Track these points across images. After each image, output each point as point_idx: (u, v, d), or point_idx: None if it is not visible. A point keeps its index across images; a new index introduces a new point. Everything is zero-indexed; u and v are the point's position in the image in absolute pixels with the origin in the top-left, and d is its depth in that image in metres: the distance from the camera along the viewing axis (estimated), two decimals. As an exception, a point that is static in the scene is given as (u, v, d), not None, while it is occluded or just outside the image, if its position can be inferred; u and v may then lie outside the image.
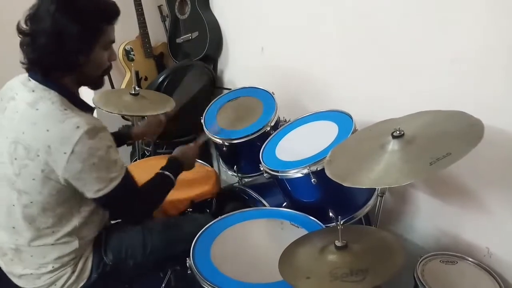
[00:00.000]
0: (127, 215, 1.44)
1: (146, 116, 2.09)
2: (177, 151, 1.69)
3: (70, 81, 1.31)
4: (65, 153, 1.20)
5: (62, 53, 1.23)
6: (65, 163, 1.21)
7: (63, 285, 1.39)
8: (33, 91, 1.27)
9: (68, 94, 1.29)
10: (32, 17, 1.24)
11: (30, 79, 1.30)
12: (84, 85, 1.38)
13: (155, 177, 1.52)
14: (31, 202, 1.30)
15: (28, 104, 1.25)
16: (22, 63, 1.29)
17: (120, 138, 1.85)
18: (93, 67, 1.32)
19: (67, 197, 1.31)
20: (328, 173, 1.32)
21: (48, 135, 1.21)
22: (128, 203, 1.38)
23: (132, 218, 1.47)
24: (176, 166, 1.59)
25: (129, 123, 2.82)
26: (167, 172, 1.52)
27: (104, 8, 1.28)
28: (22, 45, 1.27)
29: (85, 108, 1.34)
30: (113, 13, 1.30)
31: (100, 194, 1.28)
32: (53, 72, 1.28)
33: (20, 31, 1.26)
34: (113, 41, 1.35)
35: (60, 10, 1.20)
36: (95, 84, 1.41)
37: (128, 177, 1.35)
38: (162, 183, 1.52)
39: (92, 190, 1.28)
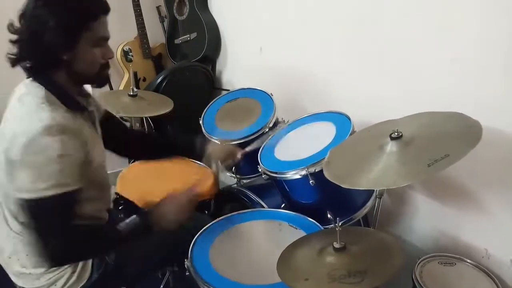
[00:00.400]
0: (42, 243, 1.22)
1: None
2: (159, 205, 1.41)
3: (64, 78, 1.29)
4: (19, 142, 1.16)
5: (42, 49, 1.22)
6: (18, 152, 1.16)
7: (64, 285, 1.37)
8: (26, 87, 1.28)
9: (58, 90, 1.27)
10: (21, 15, 1.25)
11: (28, 78, 1.30)
12: (82, 83, 1.36)
13: (105, 228, 1.38)
14: (8, 197, 1.28)
15: (17, 99, 1.27)
16: (7, 57, 1.27)
17: (191, 150, 1.72)
18: (83, 65, 1.28)
19: None
20: (326, 174, 1.32)
21: (18, 126, 1.20)
22: (48, 226, 1.20)
23: (44, 250, 1.22)
24: (143, 222, 1.35)
25: (128, 124, 2.82)
26: (122, 225, 1.31)
27: (87, 4, 1.25)
28: (13, 42, 1.27)
29: (75, 107, 1.30)
30: (98, 9, 1.27)
31: (26, 196, 1.17)
32: (38, 68, 1.27)
33: (10, 29, 1.27)
34: (105, 38, 1.31)
35: (39, 6, 1.20)
36: (95, 82, 1.38)
37: (63, 199, 1.18)
38: (104, 232, 1.35)
39: (22, 188, 1.18)
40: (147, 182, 1.87)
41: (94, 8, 1.26)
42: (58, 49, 1.23)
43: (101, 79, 1.37)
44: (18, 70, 1.30)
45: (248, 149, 1.75)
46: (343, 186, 1.23)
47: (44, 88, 1.26)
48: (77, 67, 1.28)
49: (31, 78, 1.29)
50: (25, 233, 1.33)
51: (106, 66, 1.35)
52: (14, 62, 1.28)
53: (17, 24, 1.26)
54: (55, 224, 1.21)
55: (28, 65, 1.28)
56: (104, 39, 1.31)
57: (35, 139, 1.16)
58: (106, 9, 1.28)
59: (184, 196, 1.43)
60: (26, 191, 1.18)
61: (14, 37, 1.27)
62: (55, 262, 1.28)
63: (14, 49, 1.27)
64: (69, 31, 1.22)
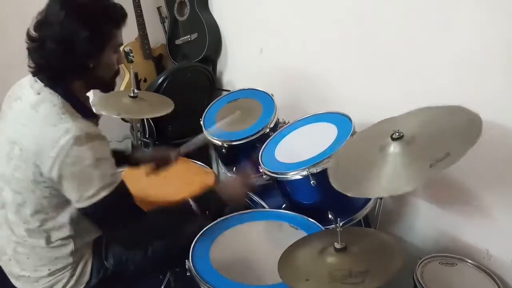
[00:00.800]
0: (113, 234, 1.35)
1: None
2: (220, 185, 1.56)
3: (79, 85, 1.31)
4: (51, 157, 1.19)
5: (72, 58, 1.24)
6: (50, 167, 1.20)
7: (62, 288, 1.38)
8: (38, 93, 1.27)
9: (72, 99, 1.29)
10: (41, 23, 1.24)
11: (37, 80, 1.29)
12: (95, 88, 1.39)
13: (176, 203, 1.43)
14: (24, 202, 1.29)
15: (31, 106, 1.26)
16: (30, 67, 1.28)
17: (125, 158, 1.79)
18: (103, 71, 1.32)
19: (60, 200, 1.29)
20: (333, 183, 1.30)
21: (40, 137, 1.21)
22: (112, 222, 1.30)
23: (118, 239, 1.36)
24: (210, 197, 1.46)
25: (129, 124, 2.82)
26: (191, 201, 1.40)
27: (113, 12, 1.29)
28: (30, 50, 1.27)
29: (89, 114, 1.34)
30: (121, 16, 1.31)
31: (78, 206, 1.25)
32: (62, 77, 1.28)
33: (29, 37, 1.26)
34: (122, 44, 1.36)
35: (69, 16, 1.21)
36: (107, 87, 1.41)
37: (116, 195, 1.26)
38: (177, 211, 1.42)
39: (73, 199, 1.25)
40: (148, 182, 1.87)
41: (119, 16, 1.30)
42: (88, 58, 1.26)
43: (113, 83, 1.41)
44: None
45: (182, 150, 1.86)
46: (349, 195, 1.22)
47: (59, 96, 1.26)
48: (98, 74, 1.31)
49: (41, 82, 1.28)
50: (28, 238, 1.34)
51: (118, 71, 1.40)
52: (36, 71, 1.29)
53: (33, 31, 1.26)
54: (118, 219, 1.29)
55: (50, 73, 1.28)
56: (121, 45, 1.36)
57: (68, 152, 1.19)
58: (125, 15, 1.32)
59: (240, 180, 1.55)
60: (78, 201, 1.24)
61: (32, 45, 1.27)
62: (133, 246, 1.41)
63: (35, 58, 1.26)
64: (99, 41, 1.26)
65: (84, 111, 1.32)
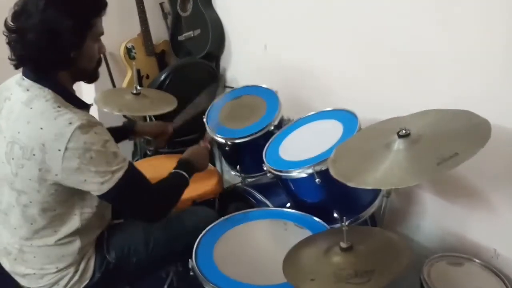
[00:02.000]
0: (140, 210, 1.39)
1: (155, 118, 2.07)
2: (187, 153, 1.66)
3: (64, 77, 1.30)
4: (59, 150, 1.19)
5: (54, 49, 1.22)
6: (61, 161, 1.20)
7: (66, 284, 1.38)
8: (27, 90, 1.26)
9: (62, 91, 1.28)
10: (20, 13, 1.22)
11: (24, 78, 1.28)
12: (79, 79, 1.38)
13: (169, 175, 1.49)
14: (30, 202, 1.29)
15: (23, 103, 1.25)
16: (10, 59, 1.27)
17: (123, 132, 1.85)
18: (85, 61, 1.31)
19: (67, 197, 1.29)
20: (332, 172, 1.31)
21: (41, 133, 1.20)
22: (137, 197, 1.34)
23: (145, 214, 1.41)
24: (187, 168, 1.54)
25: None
26: (181, 171, 1.49)
27: (93, 1, 1.28)
28: (9, 42, 1.25)
29: (80, 105, 1.33)
30: (102, 4, 1.29)
31: (105, 188, 1.25)
32: (45, 68, 1.26)
33: (7, 28, 1.24)
34: (102, 33, 1.34)
35: (49, 5, 1.19)
36: (90, 78, 1.40)
37: (133, 170, 1.32)
38: (176, 181, 1.49)
39: (95, 185, 1.24)
40: (151, 180, 1.86)
41: (100, 4, 1.29)
42: (69, 48, 1.24)
43: (96, 74, 1.41)
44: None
45: (178, 122, 1.98)
46: (349, 185, 1.22)
47: (49, 89, 1.25)
48: (80, 64, 1.30)
49: (28, 79, 1.27)
50: (35, 238, 1.34)
51: (100, 61, 1.40)
52: (18, 64, 1.27)
53: (10, 22, 1.23)
54: (138, 193, 1.34)
55: (33, 65, 1.26)
56: (101, 34, 1.34)
57: (76, 142, 1.19)
58: (106, 4, 1.30)
59: (202, 145, 1.78)
60: (102, 185, 1.24)
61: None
62: (158, 217, 1.43)
63: (15, 50, 1.25)
64: (81, 30, 1.25)
65: (76, 102, 1.32)
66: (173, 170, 1.50)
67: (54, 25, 1.20)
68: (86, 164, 1.21)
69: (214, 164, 2.26)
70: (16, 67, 1.29)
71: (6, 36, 1.25)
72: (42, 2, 1.19)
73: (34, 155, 1.21)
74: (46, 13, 1.19)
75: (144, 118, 2.52)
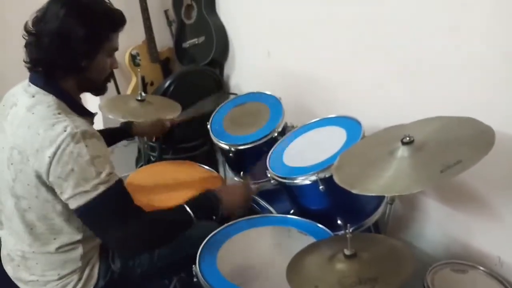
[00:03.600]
0: (108, 236, 1.27)
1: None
2: (221, 187, 1.55)
3: (72, 85, 1.32)
4: (48, 156, 1.19)
5: (65, 55, 1.25)
6: (48, 167, 1.19)
7: (69, 292, 1.38)
8: (33, 96, 1.28)
9: (67, 98, 1.30)
10: (40, 19, 1.27)
11: (30, 84, 1.30)
12: (87, 90, 1.40)
13: (173, 208, 1.37)
14: (29, 208, 1.29)
15: (26, 109, 1.26)
16: (25, 62, 1.30)
17: (121, 133, 1.89)
18: (95, 73, 1.34)
19: (63, 204, 1.28)
20: (336, 179, 1.31)
21: (38, 138, 1.20)
22: (108, 222, 1.24)
23: (114, 241, 1.27)
24: (205, 201, 1.43)
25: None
26: (188, 208, 1.35)
27: (112, 16, 1.32)
28: (27, 45, 1.29)
29: (85, 113, 1.35)
30: (120, 21, 1.34)
31: (73, 205, 1.21)
32: (55, 73, 1.29)
33: (27, 31, 1.28)
34: (117, 49, 1.37)
35: (68, 14, 1.23)
36: (97, 90, 1.42)
37: (113, 193, 1.23)
38: (173, 215, 1.37)
39: (69, 200, 1.21)
40: (155, 187, 1.87)
41: (117, 20, 1.33)
42: (81, 57, 1.27)
43: (103, 87, 1.43)
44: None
45: (177, 118, 2.02)
46: (353, 191, 1.21)
47: (53, 96, 1.27)
48: (89, 75, 1.33)
49: (35, 85, 1.29)
50: (36, 245, 1.34)
51: (111, 75, 1.44)
52: (32, 67, 1.30)
53: (31, 26, 1.28)
54: (114, 218, 1.24)
55: (44, 68, 1.29)
56: (116, 50, 1.37)
57: (64, 149, 1.18)
58: (124, 22, 1.35)
59: (244, 185, 1.59)
60: (73, 198, 1.21)
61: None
62: (131, 249, 1.33)
63: (31, 53, 1.28)
64: (95, 41, 1.28)
65: (79, 109, 1.33)
66: (183, 204, 1.37)
67: (69, 32, 1.23)
68: (66, 174, 1.19)
69: (217, 170, 2.27)
70: (30, 70, 1.32)
71: (25, 39, 1.29)
72: (62, 11, 1.23)
73: (29, 160, 1.22)
74: (64, 20, 1.23)
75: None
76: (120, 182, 1.27)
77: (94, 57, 1.30)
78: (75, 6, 1.25)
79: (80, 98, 1.40)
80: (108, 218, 1.25)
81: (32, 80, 1.31)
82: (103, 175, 1.21)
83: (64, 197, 1.23)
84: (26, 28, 1.28)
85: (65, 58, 1.26)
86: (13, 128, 1.27)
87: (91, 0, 1.29)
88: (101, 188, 1.21)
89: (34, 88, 1.29)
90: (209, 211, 1.42)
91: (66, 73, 1.30)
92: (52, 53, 1.25)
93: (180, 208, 1.36)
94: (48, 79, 1.29)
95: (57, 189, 1.23)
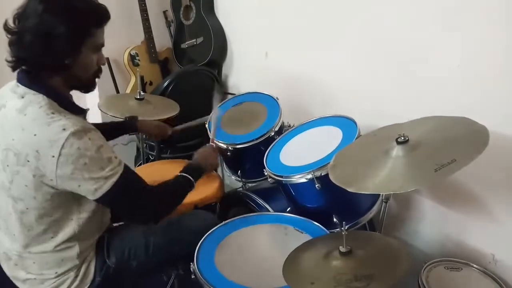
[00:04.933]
0: (135, 213, 1.38)
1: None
2: (195, 155, 1.69)
3: (59, 83, 1.30)
4: (53, 156, 1.19)
5: (48, 53, 1.22)
6: (55, 167, 1.20)
7: (67, 289, 1.39)
8: (22, 97, 1.26)
9: (57, 96, 1.28)
10: (20, 16, 1.24)
11: (19, 85, 1.28)
12: (75, 88, 1.37)
13: (173, 178, 1.49)
14: (27, 209, 1.29)
15: (17, 110, 1.24)
16: (8, 61, 1.27)
17: (124, 127, 1.90)
18: (80, 69, 1.30)
19: (63, 201, 1.30)
20: (332, 178, 1.32)
21: (35, 139, 1.20)
22: (132, 200, 1.34)
23: (140, 217, 1.40)
24: (194, 170, 1.55)
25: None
26: (186, 174, 1.50)
27: (94, 11, 1.28)
28: (9, 43, 1.26)
29: (76, 110, 1.33)
30: (103, 16, 1.30)
31: (99, 194, 1.25)
32: (40, 72, 1.27)
33: (6, 29, 1.26)
34: (103, 45, 1.34)
35: (47, 10, 1.20)
36: (85, 87, 1.39)
37: (128, 174, 1.31)
38: (179, 183, 1.49)
39: (90, 191, 1.25)
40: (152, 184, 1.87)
41: (99, 15, 1.29)
42: (63, 54, 1.24)
43: (92, 84, 1.40)
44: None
45: (179, 127, 2.08)
46: (349, 190, 1.23)
47: (43, 95, 1.25)
48: (75, 72, 1.30)
49: (23, 85, 1.27)
50: (33, 244, 1.34)
51: (99, 71, 1.39)
52: (15, 66, 1.28)
53: (11, 24, 1.25)
54: (132, 196, 1.34)
55: (28, 67, 1.27)
56: (101, 46, 1.34)
57: (70, 148, 1.19)
58: (108, 17, 1.31)
59: (210, 146, 1.80)
60: (96, 190, 1.25)
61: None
62: (155, 219, 1.43)
63: (12, 52, 1.26)
64: (77, 37, 1.25)
65: (71, 107, 1.31)
66: (178, 173, 1.51)
67: (49, 30, 1.20)
68: (80, 170, 1.21)
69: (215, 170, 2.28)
70: (13, 69, 1.29)
71: (8, 37, 1.26)
72: (41, 6, 1.20)
73: (28, 161, 1.22)
74: (43, 17, 1.20)
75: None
76: (125, 165, 1.33)
77: (78, 54, 1.26)
78: (54, 2, 1.22)
79: (70, 96, 1.37)
80: (130, 197, 1.33)
81: (20, 80, 1.28)
82: (114, 160, 1.27)
83: (85, 190, 1.25)
84: (5, 26, 1.25)
85: (48, 56, 1.23)
86: (4, 130, 1.26)
87: None
88: (119, 171, 1.27)
89: (22, 89, 1.27)
90: (198, 174, 1.56)
91: (51, 71, 1.27)
92: (34, 51, 1.22)
93: (180, 177, 1.50)
94: (35, 78, 1.27)
95: (72, 185, 1.24)
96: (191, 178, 1.50)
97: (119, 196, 1.30)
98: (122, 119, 1.97)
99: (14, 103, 1.26)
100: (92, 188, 1.24)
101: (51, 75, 1.28)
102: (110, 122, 1.91)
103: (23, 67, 1.28)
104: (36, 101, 1.24)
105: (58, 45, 1.21)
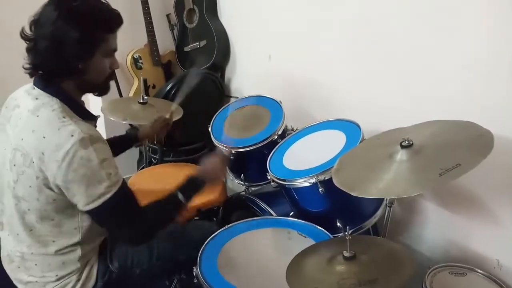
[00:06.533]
0: (121, 233, 1.36)
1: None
2: (199, 168, 1.61)
3: (73, 88, 1.32)
4: (56, 160, 1.20)
5: (62, 58, 1.24)
6: (56, 171, 1.21)
7: (69, 293, 1.39)
8: (36, 98, 1.28)
9: (70, 101, 1.30)
10: (35, 23, 1.26)
11: (34, 87, 1.30)
12: (88, 91, 1.39)
13: (165, 197, 1.42)
14: (29, 210, 1.30)
15: (30, 111, 1.26)
16: (25, 68, 1.30)
17: (128, 140, 1.88)
18: (93, 74, 1.32)
19: (65, 205, 1.29)
20: (335, 182, 1.32)
21: (43, 142, 1.21)
22: (121, 220, 1.32)
23: (124, 237, 1.38)
24: (193, 185, 1.49)
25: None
26: (179, 194, 1.42)
27: (106, 16, 1.30)
28: (27, 50, 1.29)
29: (88, 117, 1.35)
30: (115, 22, 1.31)
31: (88, 208, 1.25)
32: (54, 77, 1.29)
33: (23, 36, 1.28)
34: (115, 50, 1.36)
35: (61, 17, 1.22)
36: (99, 91, 1.41)
37: (123, 193, 1.29)
38: (170, 205, 1.43)
39: (81, 202, 1.25)
40: (156, 189, 1.87)
41: (112, 21, 1.31)
42: (77, 59, 1.26)
43: (105, 88, 1.42)
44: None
45: (173, 106, 2.03)
46: (352, 194, 1.23)
47: (57, 99, 1.27)
48: (88, 76, 1.31)
49: (38, 88, 1.29)
50: (35, 246, 1.34)
51: (112, 75, 1.41)
52: (32, 72, 1.30)
53: (28, 30, 1.27)
54: (122, 216, 1.31)
55: (44, 72, 1.29)
56: (114, 50, 1.36)
57: (74, 155, 1.20)
58: (121, 22, 1.33)
59: (216, 157, 1.64)
60: (88, 203, 1.24)
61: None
62: (140, 240, 1.41)
63: (29, 58, 1.28)
64: (90, 43, 1.27)
65: (83, 113, 1.33)
66: (174, 190, 1.43)
67: (62, 36, 1.22)
68: (78, 179, 1.21)
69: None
70: (31, 75, 1.32)
71: (26, 44, 1.29)
72: (55, 13, 1.22)
73: (33, 162, 1.22)
74: (57, 24, 1.22)
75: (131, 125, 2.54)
76: (124, 181, 1.31)
77: (91, 59, 1.28)
78: (67, 9, 1.23)
79: (82, 102, 1.40)
80: (118, 216, 1.31)
81: (36, 83, 1.31)
82: (113, 177, 1.25)
83: (77, 200, 1.25)
84: (23, 33, 1.28)
85: (61, 61, 1.25)
86: (16, 130, 1.28)
87: (84, 2, 1.26)
88: (113, 190, 1.25)
89: (37, 91, 1.29)
90: (196, 192, 1.49)
91: (65, 76, 1.29)
92: (49, 57, 1.25)
93: (173, 198, 1.42)
94: (50, 82, 1.29)
95: (68, 192, 1.25)
96: (182, 199, 1.42)
97: (107, 215, 1.29)
98: (123, 134, 1.96)
99: (28, 104, 1.28)
100: (86, 200, 1.24)
101: (65, 80, 1.30)
102: (114, 137, 1.88)
103: (40, 72, 1.30)
104: (49, 104, 1.26)
105: (71, 50, 1.23)
